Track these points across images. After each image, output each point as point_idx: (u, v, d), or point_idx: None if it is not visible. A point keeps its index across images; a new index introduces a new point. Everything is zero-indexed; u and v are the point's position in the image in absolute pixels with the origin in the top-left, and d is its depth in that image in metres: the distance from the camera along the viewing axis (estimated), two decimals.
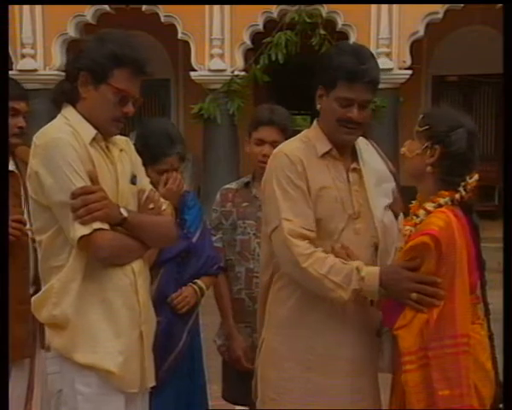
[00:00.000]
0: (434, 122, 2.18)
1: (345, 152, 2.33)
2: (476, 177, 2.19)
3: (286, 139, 2.61)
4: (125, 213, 2.06)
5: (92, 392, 2.07)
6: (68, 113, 2.11)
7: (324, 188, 2.26)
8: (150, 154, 2.67)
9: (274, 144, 2.69)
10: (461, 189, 2.17)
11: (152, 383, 2.25)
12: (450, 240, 2.08)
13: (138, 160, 2.31)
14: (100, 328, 2.07)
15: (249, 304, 2.93)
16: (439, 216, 2.12)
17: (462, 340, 2.07)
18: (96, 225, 1.99)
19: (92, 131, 2.09)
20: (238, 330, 2.97)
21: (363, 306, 2.25)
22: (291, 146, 2.34)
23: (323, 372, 2.26)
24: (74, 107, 2.11)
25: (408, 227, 2.21)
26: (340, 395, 2.26)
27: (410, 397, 2.09)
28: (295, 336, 2.30)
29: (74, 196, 1.97)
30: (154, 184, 2.69)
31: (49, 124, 2.11)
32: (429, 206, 2.17)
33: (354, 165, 2.33)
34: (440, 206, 2.16)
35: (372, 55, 2.30)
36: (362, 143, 2.39)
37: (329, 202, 2.25)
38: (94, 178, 2.02)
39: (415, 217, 2.21)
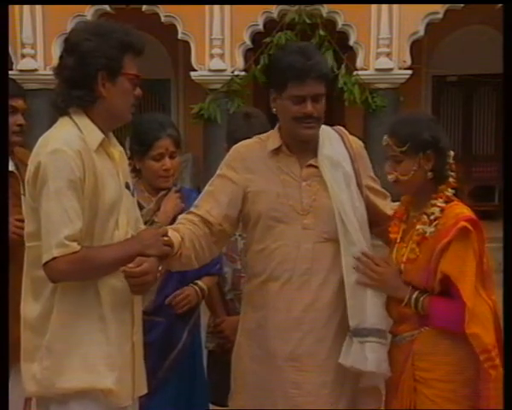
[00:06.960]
0: (412, 135, 2.20)
1: (303, 148, 2.36)
2: (451, 153, 2.25)
3: None
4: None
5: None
6: (78, 118, 2.07)
7: (265, 184, 2.34)
8: (142, 141, 2.70)
9: None
10: (449, 173, 2.23)
11: (143, 391, 2.23)
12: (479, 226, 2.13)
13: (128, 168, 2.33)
14: (93, 346, 2.04)
15: (237, 305, 2.92)
16: (461, 206, 2.17)
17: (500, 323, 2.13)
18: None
19: (100, 136, 2.07)
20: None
21: (314, 305, 2.30)
22: (243, 143, 2.48)
23: (268, 366, 2.33)
24: (85, 110, 2.07)
25: (420, 226, 2.21)
26: (278, 388, 2.32)
27: (498, 392, 2.03)
28: (243, 329, 2.46)
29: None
30: (154, 172, 2.69)
31: (57, 130, 2.07)
32: (439, 202, 2.20)
33: (312, 161, 2.35)
34: (449, 198, 2.20)
35: (317, 50, 2.38)
36: (326, 137, 2.39)
37: (269, 198, 2.32)
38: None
39: (425, 216, 2.21)
